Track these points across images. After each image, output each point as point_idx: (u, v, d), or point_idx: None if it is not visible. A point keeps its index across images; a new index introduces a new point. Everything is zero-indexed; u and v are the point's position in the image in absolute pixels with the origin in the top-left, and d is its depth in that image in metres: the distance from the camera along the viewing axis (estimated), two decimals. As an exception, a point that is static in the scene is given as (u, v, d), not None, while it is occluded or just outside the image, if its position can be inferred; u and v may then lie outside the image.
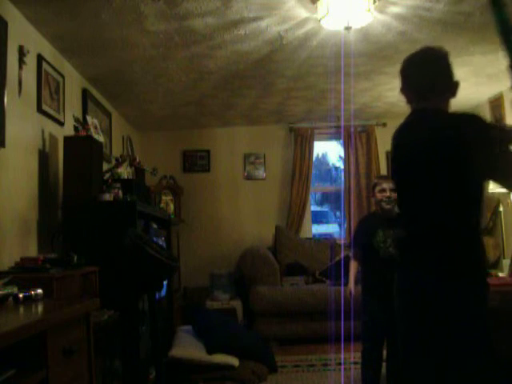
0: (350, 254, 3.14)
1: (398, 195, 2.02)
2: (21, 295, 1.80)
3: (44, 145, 3.08)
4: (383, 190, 2.91)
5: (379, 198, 2.92)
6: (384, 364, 2.93)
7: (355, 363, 3.44)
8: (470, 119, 1.77)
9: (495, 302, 2.28)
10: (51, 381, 1.51)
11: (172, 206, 5.59)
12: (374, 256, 2.85)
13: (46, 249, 2.91)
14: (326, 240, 5.47)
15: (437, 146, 1.75)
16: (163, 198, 5.57)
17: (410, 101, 1.94)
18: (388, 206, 2.90)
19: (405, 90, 1.95)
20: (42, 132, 3.07)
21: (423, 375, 1.77)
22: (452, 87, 1.87)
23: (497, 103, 4.77)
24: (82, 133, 3.12)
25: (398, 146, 1.93)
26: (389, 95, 4.74)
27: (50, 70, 3.15)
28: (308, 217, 5.81)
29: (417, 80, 1.90)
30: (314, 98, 4.76)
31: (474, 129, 1.72)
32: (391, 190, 2.88)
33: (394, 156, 1.97)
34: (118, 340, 2.82)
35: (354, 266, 3.06)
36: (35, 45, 2.96)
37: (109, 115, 4.49)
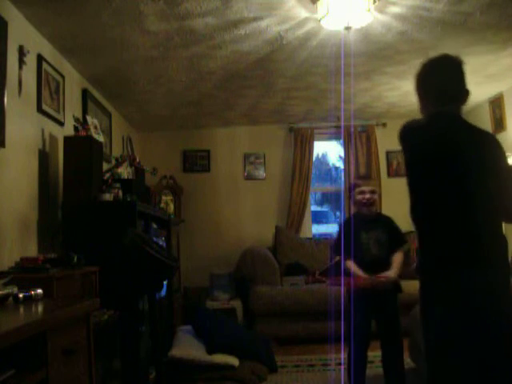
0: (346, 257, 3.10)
1: (416, 199, 1.90)
2: (21, 295, 1.80)
3: (44, 145, 3.08)
4: (363, 192, 2.91)
5: (359, 200, 2.92)
6: (382, 364, 2.94)
7: (355, 363, 3.43)
8: (493, 138, 1.90)
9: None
10: (51, 381, 1.51)
11: (172, 206, 5.59)
12: (358, 258, 2.83)
13: (46, 249, 2.91)
14: (326, 240, 5.47)
15: (469, 149, 1.80)
16: (163, 197, 5.57)
17: (425, 105, 1.96)
18: (368, 208, 2.90)
19: (421, 94, 1.97)
20: (42, 132, 3.07)
21: None
22: (466, 95, 1.94)
23: (497, 103, 4.77)
24: (82, 133, 3.12)
25: (420, 150, 1.88)
26: (389, 95, 4.74)
27: (50, 69, 3.15)
28: (308, 217, 5.81)
29: (438, 85, 1.93)
30: (314, 98, 4.76)
31: (499, 150, 1.82)
32: (370, 192, 2.89)
33: (416, 157, 1.90)
34: (118, 340, 2.82)
35: (351, 263, 3.00)
36: (35, 45, 2.96)
37: (109, 115, 4.49)
